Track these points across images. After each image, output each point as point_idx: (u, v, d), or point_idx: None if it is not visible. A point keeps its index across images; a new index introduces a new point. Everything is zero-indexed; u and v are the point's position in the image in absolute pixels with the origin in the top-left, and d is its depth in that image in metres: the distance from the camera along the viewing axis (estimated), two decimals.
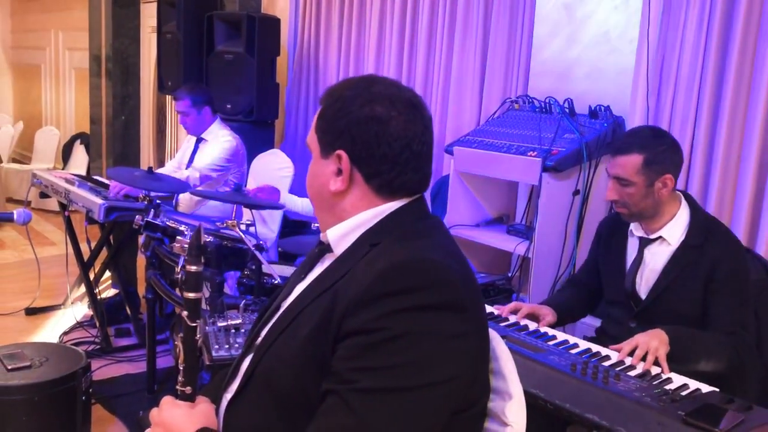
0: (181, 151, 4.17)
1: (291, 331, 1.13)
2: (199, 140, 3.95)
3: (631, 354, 1.86)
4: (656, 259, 2.11)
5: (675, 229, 2.08)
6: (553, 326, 2.22)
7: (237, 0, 5.06)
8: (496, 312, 2.21)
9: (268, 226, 3.91)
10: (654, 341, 1.85)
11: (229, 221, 2.69)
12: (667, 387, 1.72)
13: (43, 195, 4.04)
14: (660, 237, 2.10)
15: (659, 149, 2.04)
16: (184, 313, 1.19)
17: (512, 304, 2.23)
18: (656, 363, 1.83)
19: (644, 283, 2.14)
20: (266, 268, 2.59)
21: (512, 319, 2.18)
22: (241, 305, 2.32)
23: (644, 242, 2.14)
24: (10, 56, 9.40)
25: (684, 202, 2.11)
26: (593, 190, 2.88)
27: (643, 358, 1.84)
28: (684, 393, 1.69)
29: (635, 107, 2.93)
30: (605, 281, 2.29)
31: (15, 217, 2.22)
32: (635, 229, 2.18)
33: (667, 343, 1.85)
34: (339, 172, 1.16)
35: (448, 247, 1.17)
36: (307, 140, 1.24)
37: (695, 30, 2.74)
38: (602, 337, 2.26)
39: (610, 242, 2.27)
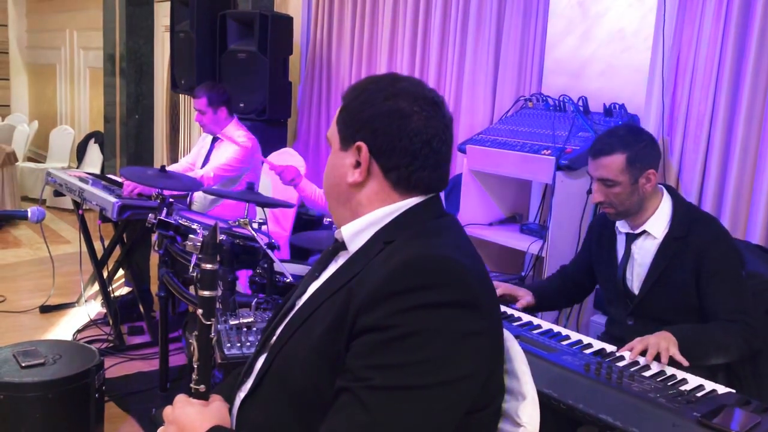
0: (196, 149, 4.17)
1: (305, 330, 1.13)
2: (215, 139, 3.97)
3: (642, 354, 1.85)
4: (643, 253, 2.12)
5: (658, 222, 2.09)
6: (531, 310, 2.25)
7: None
8: (509, 311, 2.21)
9: (280, 224, 3.92)
10: (663, 342, 1.83)
11: (242, 219, 2.69)
12: (683, 388, 1.71)
13: (58, 193, 4.05)
14: (644, 231, 2.11)
15: (639, 146, 2.06)
16: (199, 311, 1.19)
17: None
18: (671, 363, 1.82)
19: (635, 278, 2.15)
20: (278, 266, 2.59)
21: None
22: (253, 304, 2.32)
23: (630, 238, 2.15)
24: (26, 56, 9.47)
25: (666, 195, 2.12)
26: None
27: (656, 359, 1.82)
28: (699, 394, 1.68)
29: (650, 105, 2.91)
30: (601, 282, 2.30)
31: (29, 215, 2.23)
32: (621, 226, 2.19)
33: (676, 344, 1.84)
34: (357, 164, 1.17)
35: (463, 245, 1.16)
36: (328, 134, 1.24)
37: (711, 27, 2.71)
38: (606, 339, 2.24)
39: (601, 242, 2.28)
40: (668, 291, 2.06)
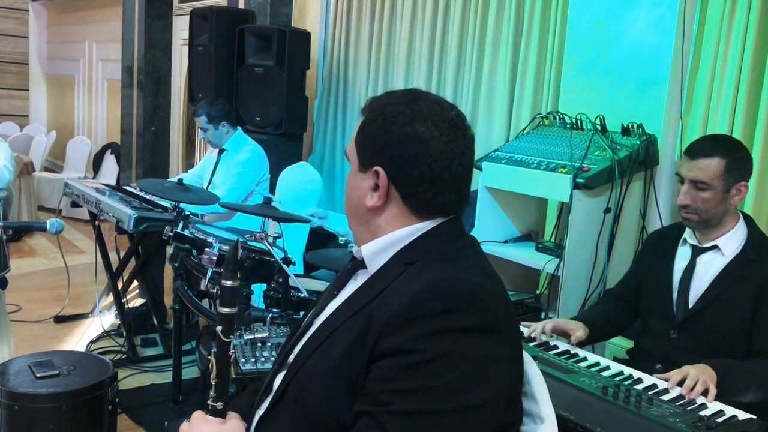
0: (203, 163, 4.23)
1: (324, 350, 1.12)
2: (221, 151, 4.02)
3: (680, 384, 1.80)
4: (707, 268, 2.08)
5: (731, 241, 2.06)
6: (584, 343, 2.18)
7: (268, 14, 5.10)
8: (525, 332, 2.18)
9: (293, 239, 3.92)
10: (703, 375, 1.79)
11: (257, 234, 2.69)
12: (702, 413, 1.68)
13: (74, 204, 4.08)
14: (715, 246, 2.07)
15: (739, 155, 2.04)
16: (218, 328, 1.18)
17: (542, 323, 2.19)
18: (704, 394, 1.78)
19: (692, 291, 2.10)
20: (293, 281, 2.58)
21: (543, 338, 2.15)
22: (268, 318, 2.32)
23: (697, 251, 2.11)
24: (45, 67, 9.59)
25: (742, 219, 2.10)
26: (625, 208, 2.84)
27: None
28: (720, 420, 1.65)
29: (668, 125, 2.89)
30: (646, 292, 2.24)
31: (48, 227, 2.25)
32: (689, 237, 2.15)
33: (715, 380, 1.80)
34: (376, 187, 1.15)
35: (484, 268, 1.15)
36: (347, 151, 1.23)
37: (730, 47, 2.70)
38: (636, 354, 2.21)
39: (657, 253, 2.23)
40: (723, 311, 2.02)
